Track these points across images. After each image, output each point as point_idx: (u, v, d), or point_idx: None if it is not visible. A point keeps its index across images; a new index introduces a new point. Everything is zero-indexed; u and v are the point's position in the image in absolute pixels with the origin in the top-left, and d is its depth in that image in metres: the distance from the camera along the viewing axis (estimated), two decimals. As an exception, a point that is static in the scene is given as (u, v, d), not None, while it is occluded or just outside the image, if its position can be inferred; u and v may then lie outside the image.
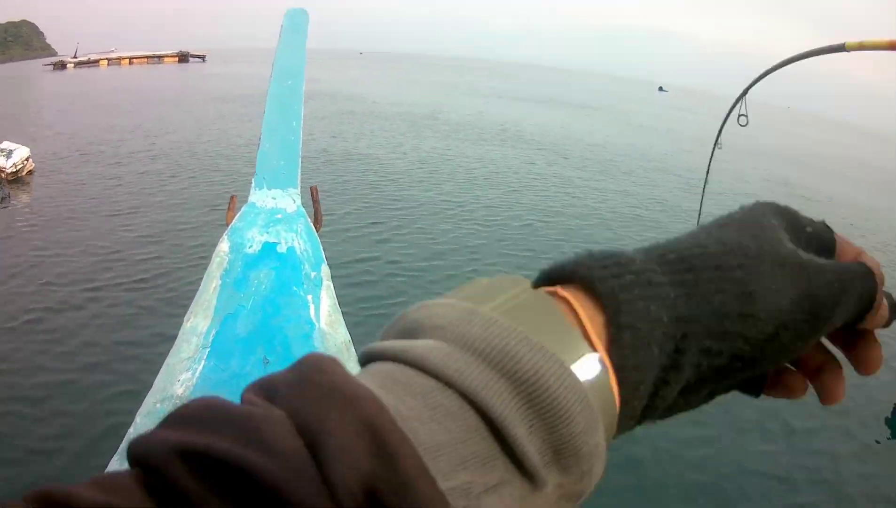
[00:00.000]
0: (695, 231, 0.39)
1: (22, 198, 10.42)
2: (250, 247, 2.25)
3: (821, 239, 0.42)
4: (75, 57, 53.88)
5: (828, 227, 0.44)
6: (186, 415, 0.27)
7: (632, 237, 10.23)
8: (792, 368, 0.43)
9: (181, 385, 1.77)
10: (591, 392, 0.30)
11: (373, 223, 9.63)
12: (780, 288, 0.36)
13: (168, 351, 1.99)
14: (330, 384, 0.27)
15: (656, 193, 14.10)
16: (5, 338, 5.80)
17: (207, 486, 0.24)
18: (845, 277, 0.39)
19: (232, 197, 2.70)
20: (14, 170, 11.00)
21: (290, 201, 2.49)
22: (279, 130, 2.65)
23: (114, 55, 55.72)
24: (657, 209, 12.61)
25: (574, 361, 0.30)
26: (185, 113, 20.53)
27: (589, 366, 0.31)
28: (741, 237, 0.38)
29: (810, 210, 0.42)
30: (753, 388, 0.42)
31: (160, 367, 1.95)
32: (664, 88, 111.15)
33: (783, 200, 0.43)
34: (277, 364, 1.80)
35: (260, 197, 2.50)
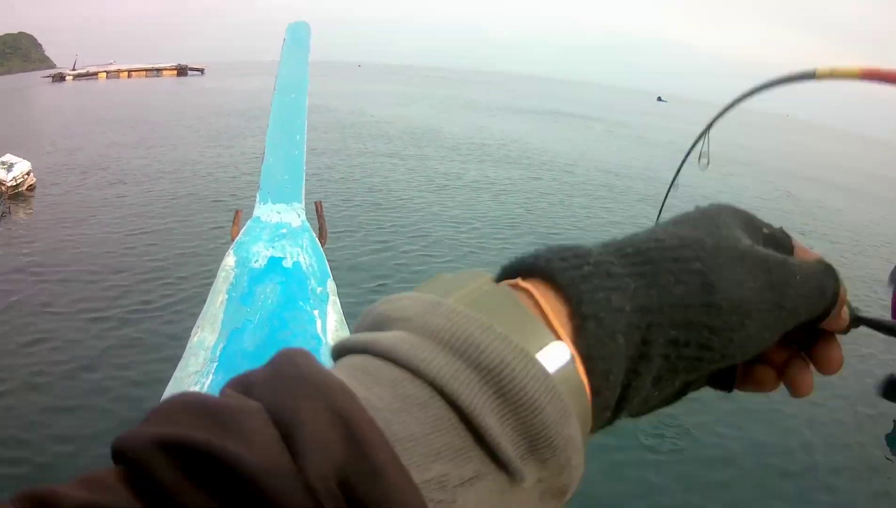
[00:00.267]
0: (650, 229, 0.40)
1: (21, 214, 10.40)
2: (256, 261, 2.26)
3: (777, 242, 0.43)
4: (74, 69, 54.02)
5: (786, 233, 0.45)
6: (165, 410, 0.27)
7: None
8: (761, 363, 0.44)
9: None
10: (560, 382, 0.30)
11: (378, 239, 9.57)
12: (741, 280, 0.37)
13: (175, 366, 1.99)
14: (301, 376, 0.27)
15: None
16: (6, 361, 5.76)
17: (185, 477, 0.24)
18: (807, 270, 0.40)
19: (237, 212, 2.71)
20: (14, 184, 10.93)
21: (294, 215, 2.50)
22: (283, 145, 2.66)
23: (112, 68, 55.83)
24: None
25: (538, 349, 0.30)
26: (187, 128, 20.47)
27: (555, 355, 0.31)
28: (696, 233, 0.38)
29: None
30: (725, 384, 0.43)
31: (168, 382, 1.95)
32: (663, 99, 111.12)
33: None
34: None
35: (265, 211, 2.50)
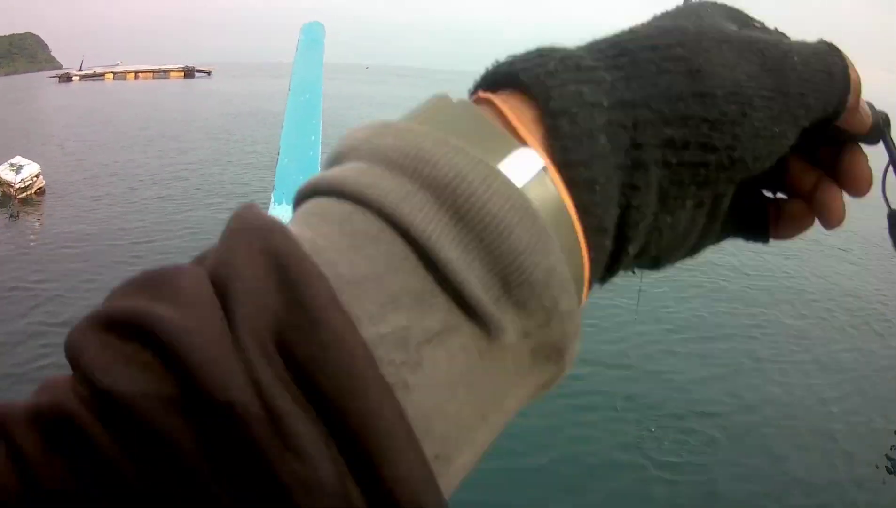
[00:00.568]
0: (627, 28, 0.34)
1: (32, 218, 10.39)
2: (270, 262, 2.25)
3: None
4: (81, 70, 54.21)
5: (782, 34, 0.36)
6: (112, 291, 0.24)
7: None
8: (790, 196, 0.39)
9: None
10: (533, 198, 0.25)
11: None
12: (732, 63, 0.30)
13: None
14: (241, 226, 0.24)
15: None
16: (14, 369, 5.75)
17: (112, 353, 0.21)
18: (805, 50, 0.33)
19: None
20: (23, 186, 10.95)
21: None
22: (298, 145, 2.65)
23: (119, 69, 55.99)
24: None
25: (501, 159, 0.25)
26: (197, 129, 20.52)
27: (521, 164, 0.26)
28: (676, 22, 0.33)
29: None
30: (759, 232, 0.38)
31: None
32: None
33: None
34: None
35: (280, 212, 2.49)
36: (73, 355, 0.22)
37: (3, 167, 11.04)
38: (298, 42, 3.06)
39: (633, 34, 0.31)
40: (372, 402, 0.20)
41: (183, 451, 0.19)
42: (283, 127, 2.71)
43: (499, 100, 0.28)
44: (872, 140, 0.38)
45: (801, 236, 0.39)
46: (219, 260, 0.23)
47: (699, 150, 0.29)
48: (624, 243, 0.29)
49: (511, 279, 0.23)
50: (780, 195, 0.39)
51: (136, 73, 55.81)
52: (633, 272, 0.34)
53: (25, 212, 10.53)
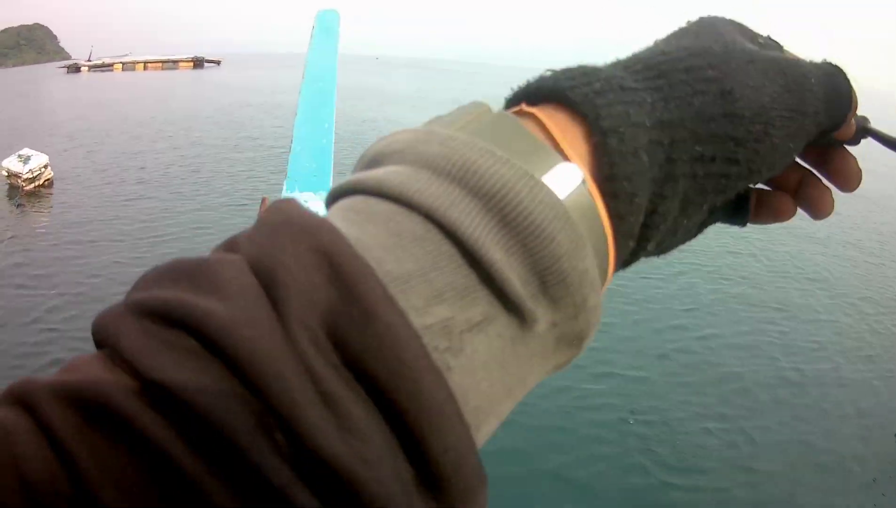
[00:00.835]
0: (652, 44, 0.37)
1: (40, 208, 10.41)
2: (282, 250, 2.22)
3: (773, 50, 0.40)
4: (89, 60, 54.30)
5: (776, 42, 0.41)
6: (142, 278, 0.25)
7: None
8: (776, 189, 0.43)
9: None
10: (572, 207, 0.27)
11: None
12: (757, 84, 0.34)
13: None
14: (284, 221, 0.25)
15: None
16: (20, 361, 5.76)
17: (154, 340, 0.22)
18: (819, 71, 0.37)
19: (263, 199, 2.70)
20: (31, 176, 10.96)
21: (321, 204, 2.46)
22: (311, 133, 2.64)
23: (128, 59, 56.06)
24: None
25: (545, 172, 0.27)
26: (207, 119, 20.56)
27: (564, 177, 0.28)
28: (701, 41, 0.35)
29: None
30: (739, 217, 0.41)
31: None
32: None
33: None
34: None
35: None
36: (106, 336, 0.23)
37: (11, 159, 11.05)
38: (313, 29, 3.05)
39: (666, 56, 0.34)
40: (424, 384, 0.22)
41: (241, 442, 0.20)
42: (296, 115, 2.69)
43: (543, 115, 0.30)
44: (854, 142, 0.42)
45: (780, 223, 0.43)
46: (262, 252, 0.24)
47: (724, 163, 0.33)
48: (644, 242, 0.32)
49: (549, 279, 0.26)
50: (761, 186, 0.42)
51: (146, 63, 55.88)
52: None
53: (33, 204, 10.54)
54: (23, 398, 0.22)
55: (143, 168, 13.03)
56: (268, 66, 59.64)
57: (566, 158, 0.29)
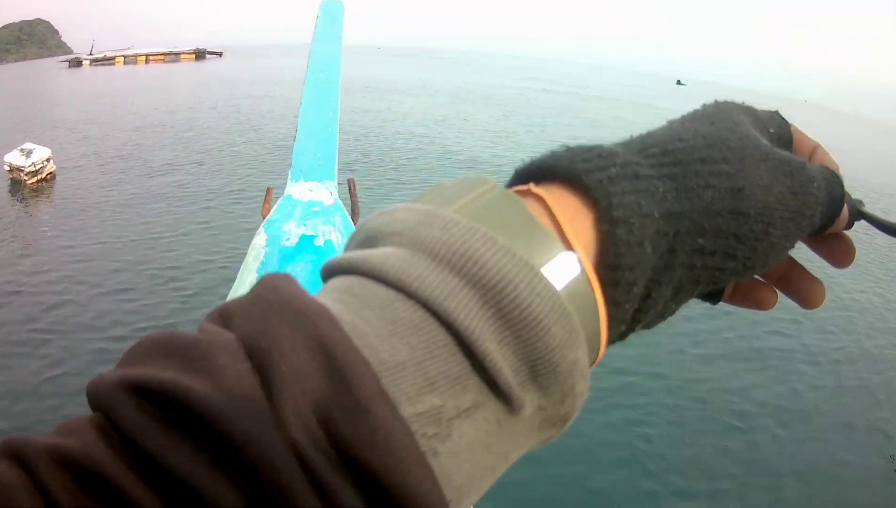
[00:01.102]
0: (668, 125, 0.37)
1: (42, 201, 10.41)
2: (287, 239, 2.23)
3: (780, 135, 0.41)
4: (91, 54, 54.18)
5: (783, 119, 0.42)
6: (136, 349, 0.26)
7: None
8: (759, 279, 0.43)
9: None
10: (569, 298, 0.27)
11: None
12: (767, 184, 0.34)
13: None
14: (281, 302, 0.25)
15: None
16: (21, 349, 5.77)
17: (151, 420, 0.22)
18: (821, 175, 0.38)
19: (268, 189, 2.70)
20: (34, 170, 10.91)
21: (327, 193, 2.47)
22: (316, 122, 2.64)
23: (130, 53, 55.89)
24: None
25: (546, 263, 0.27)
26: (210, 109, 20.45)
27: (563, 268, 0.28)
28: (718, 131, 0.36)
29: None
30: (713, 296, 0.41)
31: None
32: (682, 82, 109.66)
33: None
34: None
35: (296, 189, 2.48)
36: (100, 405, 0.24)
37: (13, 153, 11.03)
38: (317, 19, 3.04)
39: (683, 143, 0.34)
40: (412, 476, 0.23)
41: None
42: (301, 105, 2.69)
43: (551, 199, 0.31)
44: (848, 227, 0.43)
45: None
46: (257, 334, 0.24)
47: (722, 258, 0.33)
48: (634, 324, 0.33)
49: (539, 368, 0.26)
50: None
51: (147, 56, 55.74)
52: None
53: (36, 196, 10.54)
54: (19, 456, 0.22)
55: (145, 160, 12.99)
56: (271, 56, 59.49)
57: (569, 246, 0.29)
